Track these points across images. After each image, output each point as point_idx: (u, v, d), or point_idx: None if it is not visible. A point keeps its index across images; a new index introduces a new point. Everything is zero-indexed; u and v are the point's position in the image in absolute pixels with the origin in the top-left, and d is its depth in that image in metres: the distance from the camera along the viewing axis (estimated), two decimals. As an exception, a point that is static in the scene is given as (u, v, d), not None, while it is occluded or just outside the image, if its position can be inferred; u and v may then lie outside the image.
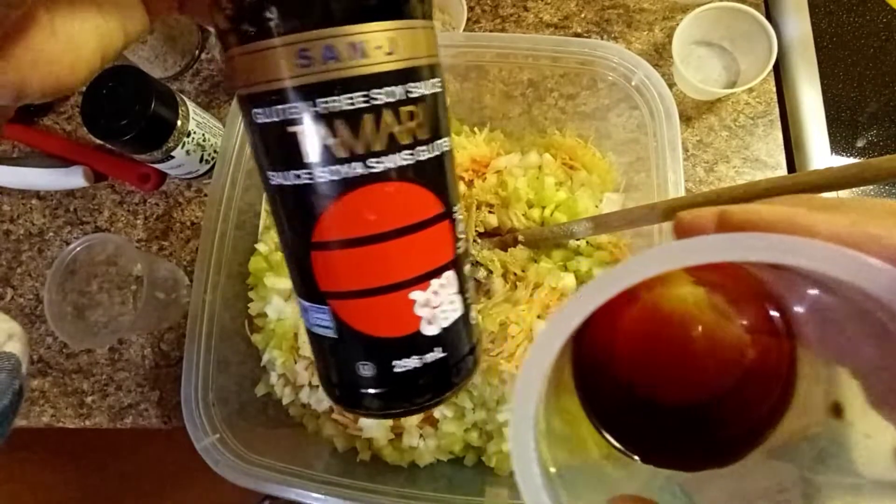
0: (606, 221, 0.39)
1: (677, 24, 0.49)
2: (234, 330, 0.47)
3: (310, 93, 0.18)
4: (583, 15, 0.57)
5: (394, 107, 0.19)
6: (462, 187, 0.47)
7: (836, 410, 0.16)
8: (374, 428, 0.44)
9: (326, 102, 0.18)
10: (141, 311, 0.46)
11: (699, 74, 0.52)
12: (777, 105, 0.52)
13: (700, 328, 0.18)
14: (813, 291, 0.16)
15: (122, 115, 0.46)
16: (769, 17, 0.54)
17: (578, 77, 0.46)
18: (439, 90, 0.20)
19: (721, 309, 0.18)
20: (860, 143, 0.51)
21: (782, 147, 0.52)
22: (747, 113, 0.53)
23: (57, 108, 0.62)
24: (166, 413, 0.54)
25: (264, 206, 0.50)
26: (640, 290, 0.18)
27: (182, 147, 0.50)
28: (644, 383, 0.19)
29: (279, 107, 0.18)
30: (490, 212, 0.46)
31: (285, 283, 0.46)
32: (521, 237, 0.44)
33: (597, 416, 0.19)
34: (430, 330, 0.21)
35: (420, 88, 0.19)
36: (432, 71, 0.20)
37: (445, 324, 0.21)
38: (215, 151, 0.54)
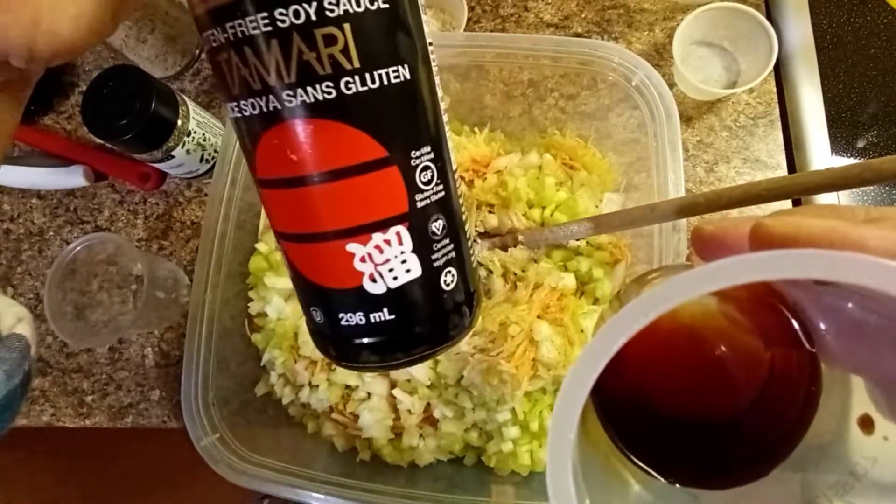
0: (606, 221, 0.39)
1: (678, 25, 0.49)
2: (234, 330, 0.47)
3: (217, 17, 0.16)
4: (583, 15, 0.57)
5: (304, 29, 0.16)
6: (462, 187, 0.47)
7: (865, 424, 0.15)
8: (374, 428, 0.44)
9: (232, 27, 0.16)
10: (141, 310, 0.46)
11: (699, 74, 0.52)
12: (777, 105, 0.52)
13: (714, 340, 0.18)
14: (837, 302, 0.15)
15: (122, 114, 0.46)
16: (769, 17, 0.54)
17: (579, 77, 0.46)
18: (385, 6, 0.17)
19: (735, 319, 0.17)
20: (860, 144, 0.51)
21: (782, 147, 0.52)
22: (748, 113, 0.53)
23: (57, 107, 0.62)
24: (166, 413, 0.54)
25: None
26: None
27: (182, 146, 0.50)
28: (662, 399, 0.19)
29: (205, 34, 0.17)
30: (490, 212, 0.46)
31: (285, 283, 0.46)
32: (521, 237, 0.44)
33: (618, 435, 0.18)
34: (374, 288, 0.19)
35: (342, 5, 0.16)
36: None
37: (394, 284, 0.19)
38: (215, 151, 0.54)
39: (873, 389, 0.16)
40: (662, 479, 0.17)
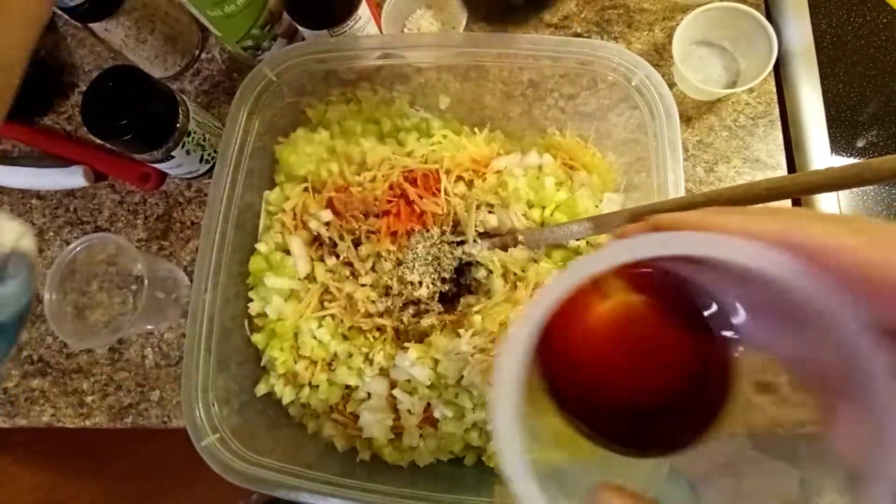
0: (606, 221, 0.39)
1: (677, 24, 0.49)
2: (234, 330, 0.47)
3: None
4: (583, 15, 0.57)
5: None
6: (462, 187, 0.47)
7: (761, 388, 0.18)
8: (374, 428, 0.44)
9: None
10: (141, 311, 0.46)
11: (699, 74, 0.52)
12: (777, 105, 0.52)
13: (646, 333, 0.20)
14: (740, 291, 0.18)
15: (122, 115, 0.46)
16: (769, 17, 0.54)
17: (578, 77, 0.46)
18: None
19: (663, 313, 0.20)
20: (860, 143, 0.51)
21: (782, 147, 0.52)
22: (747, 113, 0.53)
23: (57, 107, 0.62)
24: (166, 413, 0.54)
25: (264, 206, 0.50)
26: (591, 301, 0.20)
27: (182, 147, 0.50)
28: (606, 387, 0.20)
29: None
30: (490, 212, 0.46)
31: (285, 282, 0.46)
32: (521, 237, 0.44)
33: (574, 417, 0.20)
34: None
35: None
36: None
37: None
38: (215, 151, 0.54)
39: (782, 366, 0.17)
40: (608, 450, 0.20)
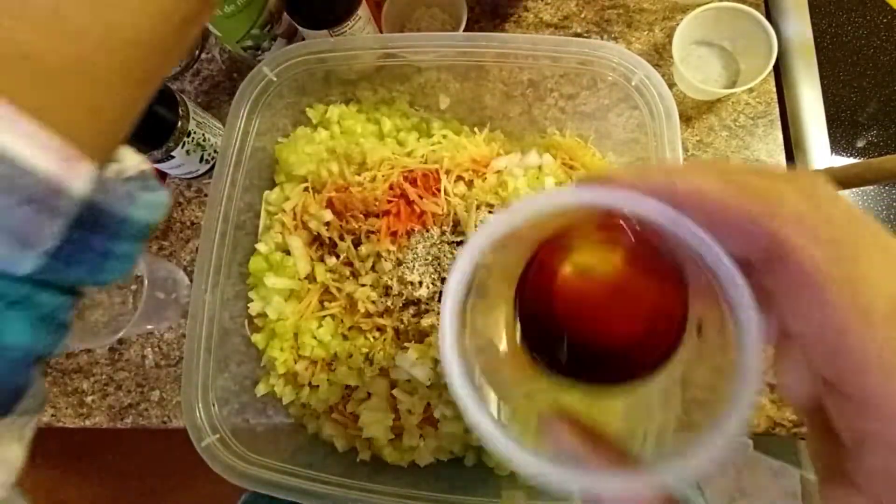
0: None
1: (677, 24, 0.49)
2: (234, 330, 0.47)
3: None
4: (583, 15, 0.57)
5: None
6: (462, 187, 0.47)
7: (700, 330, 0.19)
8: (374, 428, 0.44)
9: None
10: (141, 311, 0.46)
11: (699, 74, 0.52)
12: (777, 105, 0.52)
13: (617, 281, 0.22)
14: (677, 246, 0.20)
15: (122, 114, 0.46)
16: (769, 17, 0.54)
17: (578, 77, 0.46)
18: None
19: (633, 264, 0.22)
20: (860, 143, 0.51)
21: (782, 147, 0.52)
22: (747, 113, 0.53)
23: (57, 107, 0.62)
24: (166, 413, 0.54)
25: (264, 207, 0.50)
26: (568, 253, 0.22)
27: (182, 147, 0.50)
28: (579, 334, 0.22)
29: None
30: (490, 212, 0.46)
31: (285, 283, 0.46)
32: (521, 237, 0.44)
33: (540, 358, 0.21)
34: None
35: None
36: None
37: None
38: (215, 151, 0.54)
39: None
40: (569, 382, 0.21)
